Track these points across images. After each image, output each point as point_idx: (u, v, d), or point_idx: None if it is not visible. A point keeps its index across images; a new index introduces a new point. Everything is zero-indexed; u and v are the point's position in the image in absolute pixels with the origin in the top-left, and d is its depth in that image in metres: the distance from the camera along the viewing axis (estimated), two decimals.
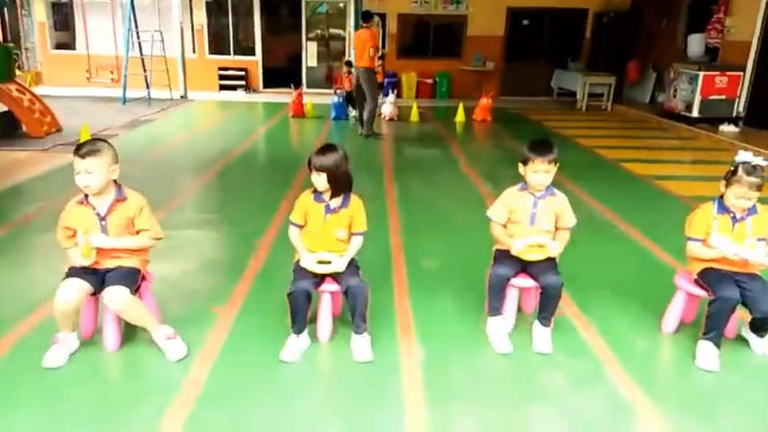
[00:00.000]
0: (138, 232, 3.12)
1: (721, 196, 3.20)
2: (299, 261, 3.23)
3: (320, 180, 3.13)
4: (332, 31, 16.57)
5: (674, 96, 11.48)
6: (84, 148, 2.96)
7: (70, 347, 3.03)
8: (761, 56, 10.62)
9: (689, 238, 3.28)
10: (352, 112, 11.14)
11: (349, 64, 10.80)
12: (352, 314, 3.14)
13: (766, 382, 3.03)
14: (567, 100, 14.91)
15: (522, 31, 15.88)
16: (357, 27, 12.53)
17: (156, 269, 3.45)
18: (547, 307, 3.23)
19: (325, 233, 3.24)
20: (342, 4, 15.94)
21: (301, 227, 3.28)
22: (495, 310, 3.30)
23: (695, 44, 11.79)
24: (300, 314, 3.10)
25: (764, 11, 10.42)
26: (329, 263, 3.12)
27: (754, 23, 10.58)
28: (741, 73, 10.72)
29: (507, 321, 3.35)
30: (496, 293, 3.28)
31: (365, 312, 3.15)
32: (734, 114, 10.75)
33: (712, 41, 11.64)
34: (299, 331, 3.14)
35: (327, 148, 3.16)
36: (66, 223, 3.06)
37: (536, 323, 3.28)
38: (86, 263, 2.98)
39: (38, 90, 11.50)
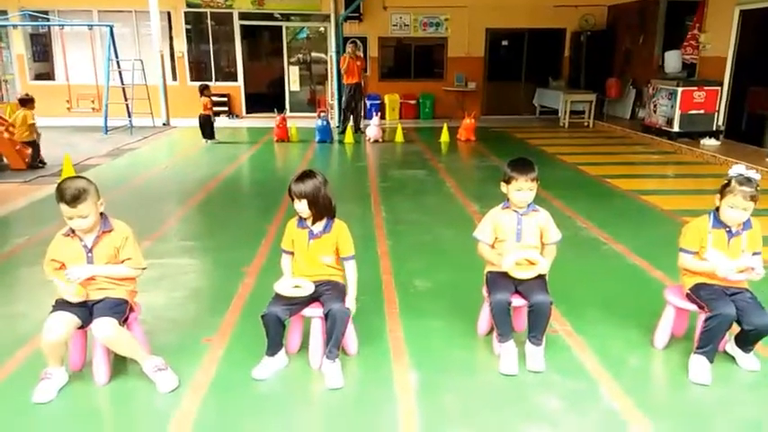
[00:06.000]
0: (122, 262, 3.09)
1: (716, 210, 3.22)
2: None
3: (301, 206, 3.16)
4: (314, 55, 16.69)
5: (655, 112, 11.64)
6: (68, 195, 2.87)
7: (59, 382, 2.98)
8: (736, 71, 10.83)
9: (681, 249, 3.30)
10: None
11: (206, 87, 11.67)
12: (328, 338, 3.12)
13: (758, 394, 3.04)
14: (550, 118, 15.08)
15: (503, 51, 16.10)
16: (339, 51, 13.01)
17: (143, 299, 3.41)
18: (537, 326, 3.22)
19: (310, 259, 3.26)
20: (322, 29, 16.07)
21: (292, 253, 3.31)
22: (506, 335, 3.24)
23: (672, 60, 11.99)
24: (273, 336, 3.14)
25: (737, 27, 10.64)
26: (302, 287, 3.14)
27: (728, 39, 10.79)
28: (719, 88, 10.91)
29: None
30: (502, 319, 3.24)
31: (341, 339, 3.14)
32: (714, 128, 10.91)
33: (689, 57, 11.86)
34: (272, 353, 3.17)
35: (305, 175, 3.19)
36: (53, 255, 3.02)
37: (527, 343, 3.27)
38: (77, 300, 2.94)
39: None
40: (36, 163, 8.89)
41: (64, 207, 2.89)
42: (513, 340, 3.25)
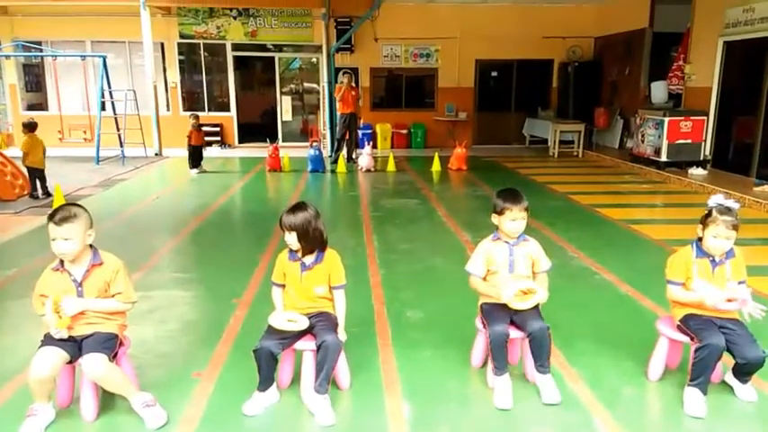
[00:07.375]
0: (113, 296, 3.06)
1: (699, 240, 3.25)
2: None
3: (291, 239, 3.16)
4: (306, 85, 16.85)
5: (642, 142, 11.78)
6: (58, 215, 2.89)
7: (46, 419, 2.92)
8: (722, 101, 11.00)
9: (668, 282, 3.32)
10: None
11: (197, 117, 11.99)
12: (318, 371, 3.07)
13: (752, 426, 3.03)
14: (540, 147, 15.22)
15: (492, 81, 16.33)
16: (331, 81, 13.17)
17: (133, 333, 3.37)
18: (540, 353, 3.20)
19: (303, 291, 3.25)
20: (315, 60, 16.24)
21: (283, 286, 3.29)
22: (502, 368, 3.21)
23: (658, 91, 12.17)
24: (265, 371, 3.10)
25: (721, 58, 10.83)
26: (296, 322, 3.11)
27: (713, 70, 10.98)
28: (705, 118, 11.06)
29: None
30: (499, 352, 3.21)
31: (332, 372, 3.10)
32: (701, 158, 11.04)
33: (674, 88, 12.05)
34: (263, 388, 3.12)
35: (297, 207, 3.19)
36: (41, 291, 2.98)
37: (536, 374, 3.23)
38: (62, 335, 2.90)
39: (9, 152, 11.38)
40: (46, 191, 8.95)
41: (51, 227, 2.88)
42: (508, 373, 3.23)
